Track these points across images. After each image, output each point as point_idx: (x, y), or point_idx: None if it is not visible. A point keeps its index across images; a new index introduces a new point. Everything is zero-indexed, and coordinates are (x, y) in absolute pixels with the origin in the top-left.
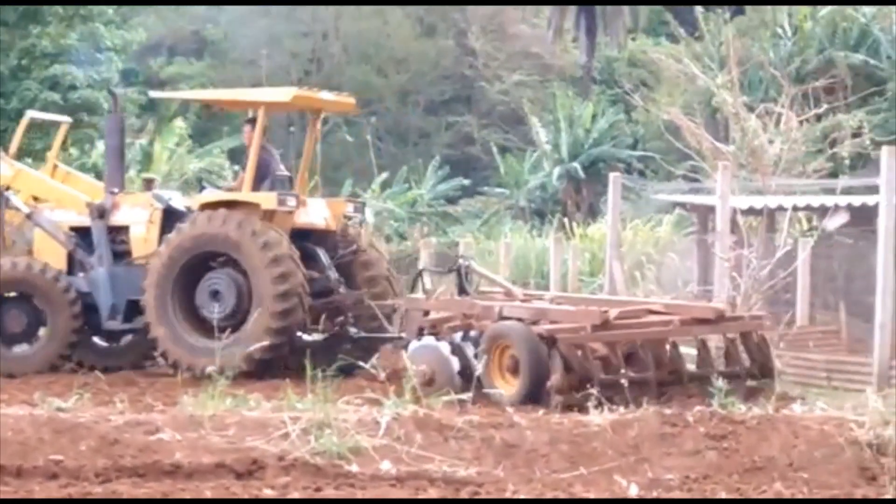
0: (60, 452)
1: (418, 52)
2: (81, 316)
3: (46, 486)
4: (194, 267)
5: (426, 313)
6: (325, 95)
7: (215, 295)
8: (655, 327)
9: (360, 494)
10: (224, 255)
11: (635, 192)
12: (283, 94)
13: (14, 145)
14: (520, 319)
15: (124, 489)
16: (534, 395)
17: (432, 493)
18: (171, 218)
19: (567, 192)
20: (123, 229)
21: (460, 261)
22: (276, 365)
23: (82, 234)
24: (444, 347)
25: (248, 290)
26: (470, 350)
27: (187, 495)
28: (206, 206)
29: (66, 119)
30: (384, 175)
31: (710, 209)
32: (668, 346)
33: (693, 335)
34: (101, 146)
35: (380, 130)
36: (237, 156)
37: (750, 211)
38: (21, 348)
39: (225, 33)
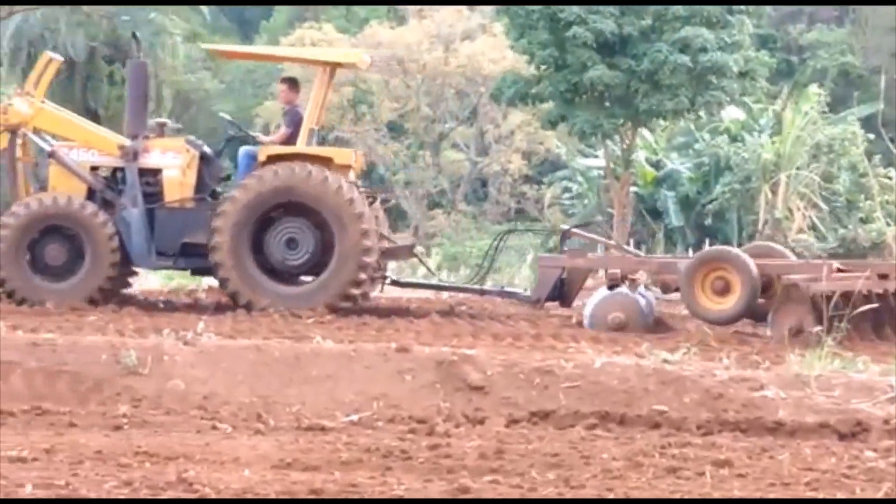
0: (664, 403)
1: None
2: (119, 251)
3: (648, 435)
4: (266, 215)
5: (563, 270)
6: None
7: (290, 243)
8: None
9: None
10: (293, 204)
11: None
12: (355, 56)
13: (31, 82)
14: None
15: (724, 442)
16: (742, 314)
17: None
18: (206, 164)
19: None
20: (153, 172)
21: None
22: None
23: (103, 175)
24: (636, 296)
25: (325, 240)
26: (651, 298)
27: (787, 452)
28: (273, 158)
29: (57, 57)
30: None
31: None
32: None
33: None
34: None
35: None
36: (869, 125)
37: None
38: (59, 283)
39: None
